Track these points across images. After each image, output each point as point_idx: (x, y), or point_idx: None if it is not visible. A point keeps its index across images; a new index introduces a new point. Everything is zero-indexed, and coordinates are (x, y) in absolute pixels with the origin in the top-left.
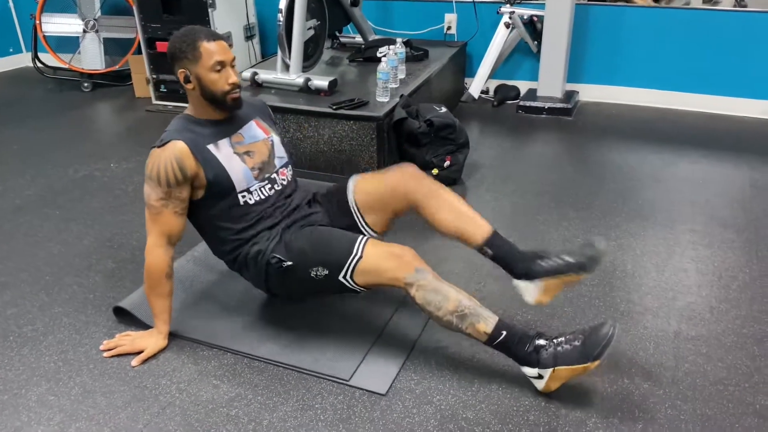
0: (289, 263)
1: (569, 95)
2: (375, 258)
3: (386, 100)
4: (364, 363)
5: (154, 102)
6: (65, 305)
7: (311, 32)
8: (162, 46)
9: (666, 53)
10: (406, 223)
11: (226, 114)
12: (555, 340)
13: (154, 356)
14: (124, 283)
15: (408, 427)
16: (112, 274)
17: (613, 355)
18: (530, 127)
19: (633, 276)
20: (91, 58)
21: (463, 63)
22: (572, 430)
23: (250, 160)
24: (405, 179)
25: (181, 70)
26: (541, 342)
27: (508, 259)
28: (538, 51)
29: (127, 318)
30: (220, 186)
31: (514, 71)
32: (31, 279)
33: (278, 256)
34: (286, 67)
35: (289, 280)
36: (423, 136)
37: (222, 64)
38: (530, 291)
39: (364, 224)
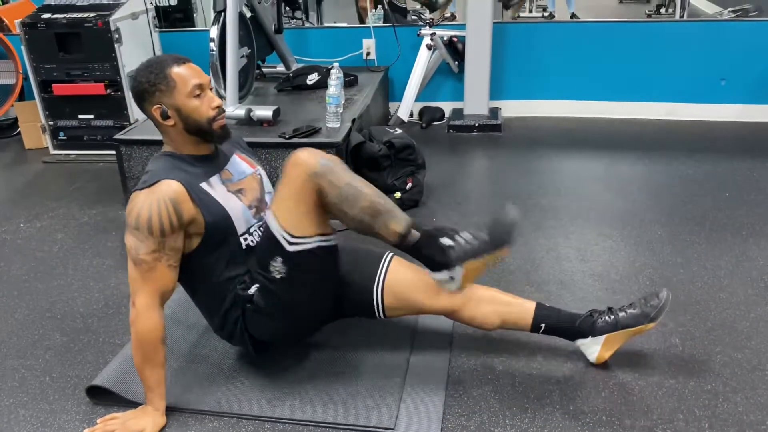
0: (282, 275)
1: (494, 112)
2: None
3: (338, 126)
4: (402, 406)
5: (53, 152)
6: (17, 395)
7: (244, 61)
8: (59, 89)
9: (575, 66)
10: None
11: (212, 148)
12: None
13: None
14: (84, 357)
15: None
16: (67, 349)
17: None
18: (466, 145)
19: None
20: None
21: (387, 87)
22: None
23: (245, 198)
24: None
25: (156, 107)
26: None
27: (562, 330)
28: (460, 71)
29: (103, 398)
30: (219, 230)
31: (436, 93)
32: None
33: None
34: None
35: (277, 304)
36: (384, 159)
37: (201, 88)
38: (592, 348)
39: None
